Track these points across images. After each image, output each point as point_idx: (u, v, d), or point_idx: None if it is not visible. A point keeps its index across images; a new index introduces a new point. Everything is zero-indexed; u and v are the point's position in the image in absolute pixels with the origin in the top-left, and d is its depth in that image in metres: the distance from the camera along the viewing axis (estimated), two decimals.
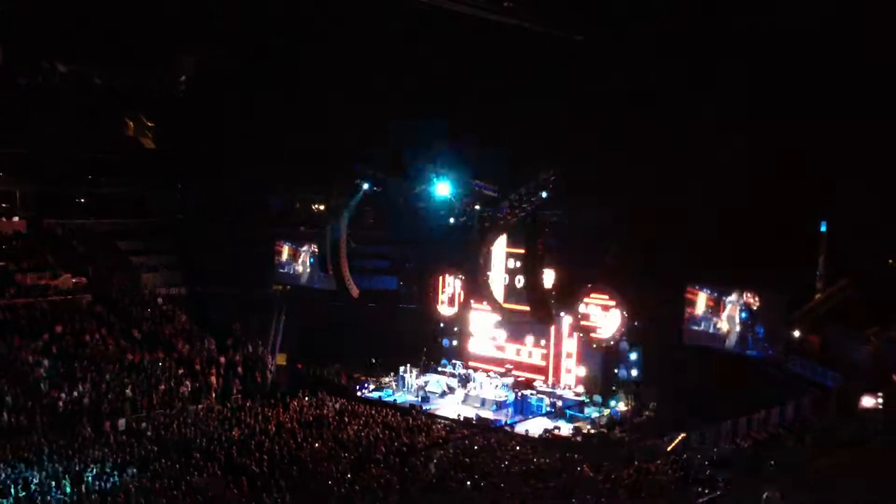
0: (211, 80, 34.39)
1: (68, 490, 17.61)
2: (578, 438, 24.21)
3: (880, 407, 20.55)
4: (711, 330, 24.98)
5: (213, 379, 26.93)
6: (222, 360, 28.08)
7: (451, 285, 31.29)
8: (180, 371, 26.77)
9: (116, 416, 23.44)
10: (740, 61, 23.93)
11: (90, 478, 18.31)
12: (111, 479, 18.32)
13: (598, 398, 27.06)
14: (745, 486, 15.49)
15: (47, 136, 32.25)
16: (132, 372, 25.95)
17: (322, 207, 35.94)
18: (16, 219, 33.05)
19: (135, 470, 19.06)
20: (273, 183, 36.64)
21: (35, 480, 18.00)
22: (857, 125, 22.31)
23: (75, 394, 23.99)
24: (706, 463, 18.96)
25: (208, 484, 17.61)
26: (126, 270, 32.87)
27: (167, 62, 33.90)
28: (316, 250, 32.09)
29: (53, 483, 17.83)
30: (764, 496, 12.94)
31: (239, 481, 18.16)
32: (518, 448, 22.46)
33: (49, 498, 17.22)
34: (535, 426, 25.35)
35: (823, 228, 25.19)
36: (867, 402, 20.87)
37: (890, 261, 23.89)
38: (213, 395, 26.43)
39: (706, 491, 15.88)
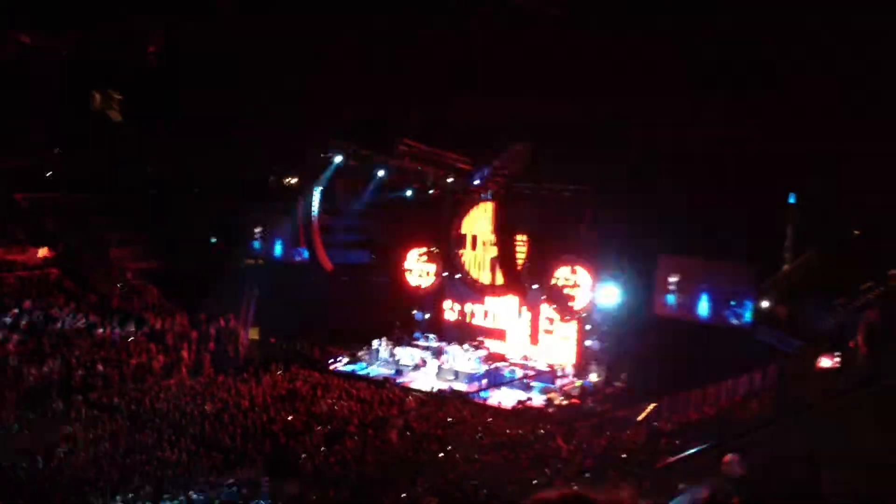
0: (181, 52, 33.84)
1: (41, 466, 17.52)
2: (551, 409, 24.49)
3: (837, 366, 21.10)
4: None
5: (186, 353, 26.82)
6: (194, 334, 27.94)
7: (423, 259, 31.34)
8: (152, 346, 26.60)
9: (88, 391, 23.30)
10: (711, 34, 23.99)
11: (63, 453, 18.23)
12: (84, 454, 18.26)
13: (570, 369, 27.34)
14: (709, 451, 15.82)
15: (13, 110, 31.62)
16: (103, 346, 25.78)
17: (295, 181, 35.74)
18: None
19: (107, 445, 19.01)
20: (245, 156, 36.17)
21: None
22: (827, 96, 22.50)
23: (45, 369, 23.79)
24: (674, 431, 19.31)
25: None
26: (96, 245, 32.51)
27: (135, 33, 33.30)
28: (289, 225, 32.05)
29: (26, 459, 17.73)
30: (725, 459, 13.21)
31: (212, 455, 18.23)
32: (491, 420, 22.69)
33: (21, 474, 17.12)
34: (507, 397, 25.59)
35: (792, 199, 25.47)
36: (824, 362, 21.45)
37: (856, 231, 24.24)
38: (186, 369, 26.31)
39: (672, 457, 16.19)
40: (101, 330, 26.57)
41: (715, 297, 25.66)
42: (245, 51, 31.73)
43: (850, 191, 22.85)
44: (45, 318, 26.44)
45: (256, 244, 34.90)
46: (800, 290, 25.09)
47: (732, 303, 25.04)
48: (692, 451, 16.84)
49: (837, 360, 21.44)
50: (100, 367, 24.58)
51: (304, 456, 18.52)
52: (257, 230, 34.74)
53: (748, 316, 24.90)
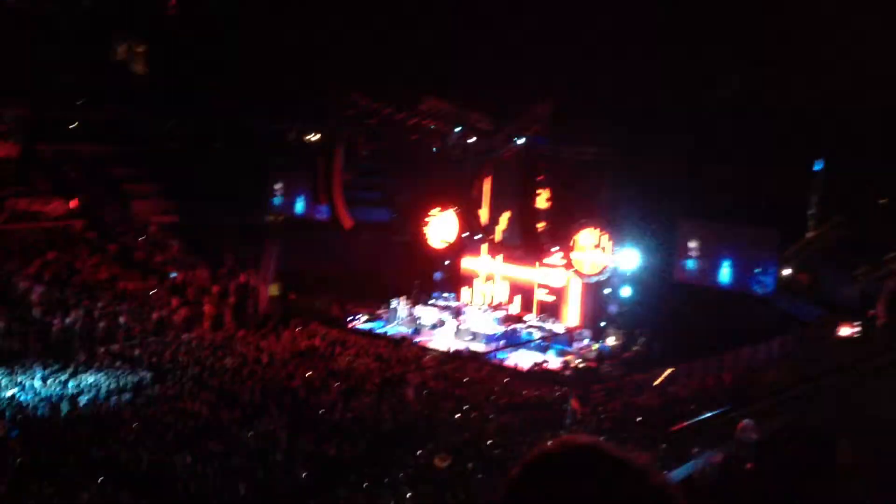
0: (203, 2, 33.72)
1: (64, 413, 17.85)
2: (567, 372, 24.56)
3: (857, 336, 20.96)
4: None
5: (206, 308, 27.06)
6: (215, 289, 28.18)
7: (443, 218, 31.28)
8: (173, 299, 26.88)
9: (110, 342, 23.62)
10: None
11: (84, 401, 18.56)
12: (106, 404, 18.59)
13: (587, 332, 27.36)
14: (724, 417, 15.86)
15: (37, 60, 31.65)
16: (125, 299, 26.08)
17: (316, 137, 35.67)
18: (7, 144, 32.66)
19: (129, 396, 19.33)
20: (268, 111, 36.04)
21: (30, 405, 18.21)
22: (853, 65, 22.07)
23: (68, 320, 24.11)
24: (690, 396, 19.35)
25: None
26: (118, 197, 32.75)
27: None
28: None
29: (48, 407, 18.06)
30: (740, 425, 13.26)
31: (232, 408, 18.50)
32: (507, 381, 22.80)
33: (44, 423, 17.44)
34: (524, 359, 25.68)
35: (817, 167, 25.12)
36: (844, 331, 21.32)
37: (881, 201, 23.90)
38: (206, 324, 26.56)
39: (687, 422, 16.25)
40: (123, 282, 26.87)
41: (737, 264, 25.45)
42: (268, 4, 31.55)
43: (877, 158, 22.51)
44: (69, 269, 26.77)
45: (277, 200, 34.95)
46: (823, 258, 24.86)
47: (757, 270, 24.78)
48: (707, 416, 16.88)
49: (858, 328, 21.31)
50: (122, 320, 24.89)
51: (321, 411, 18.74)
52: (278, 186, 34.76)
53: (772, 284, 24.66)
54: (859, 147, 22.61)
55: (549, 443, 1.90)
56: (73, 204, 30.66)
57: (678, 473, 13.02)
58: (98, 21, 33.03)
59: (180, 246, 30.81)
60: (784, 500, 11.41)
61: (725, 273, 25.68)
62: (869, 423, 13.41)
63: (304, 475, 15.47)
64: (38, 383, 19.56)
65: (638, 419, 18.24)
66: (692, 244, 26.15)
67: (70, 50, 32.87)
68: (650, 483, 1.83)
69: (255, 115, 35.34)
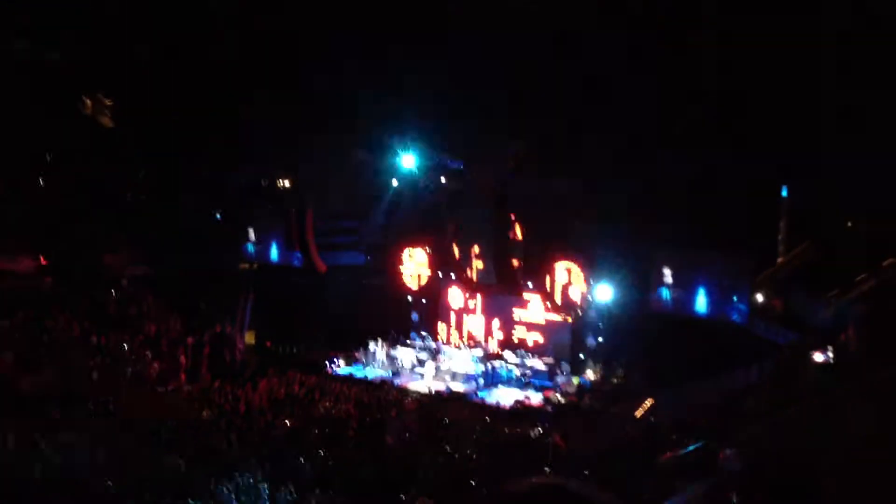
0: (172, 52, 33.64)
1: (37, 475, 17.43)
2: (548, 408, 24.48)
3: (830, 361, 21.12)
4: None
5: (182, 360, 26.73)
6: (190, 340, 27.86)
7: (418, 259, 31.30)
8: (147, 353, 26.51)
9: (84, 399, 23.17)
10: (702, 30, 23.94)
11: (59, 462, 18.14)
12: (80, 462, 18.19)
13: (566, 367, 27.32)
14: (706, 447, 15.83)
15: (3, 116, 31.40)
16: (98, 354, 25.67)
17: (288, 184, 35.58)
18: None
19: (105, 453, 18.93)
20: (239, 159, 35.93)
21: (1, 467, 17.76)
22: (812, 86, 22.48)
23: (41, 378, 23.65)
24: (671, 427, 19.32)
25: None
26: (88, 251, 32.36)
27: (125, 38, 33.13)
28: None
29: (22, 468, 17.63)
30: (722, 455, 13.25)
31: (210, 461, 18.16)
32: (489, 419, 22.67)
33: (16, 484, 17.02)
34: (505, 397, 25.58)
35: (785, 193, 25.46)
36: (818, 357, 21.48)
37: (849, 223, 24.21)
38: (182, 376, 26.22)
39: (669, 453, 16.20)
40: (95, 338, 26.47)
41: (711, 292, 25.62)
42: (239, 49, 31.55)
43: (845, 181, 22.82)
44: (39, 327, 26.33)
45: (250, 247, 34.76)
46: (795, 282, 25.07)
47: (735, 298, 24.98)
48: (690, 447, 16.84)
49: (830, 353, 21.47)
50: (95, 375, 24.46)
51: (302, 460, 18.47)
52: (251, 233, 34.60)
53: (746, 310, 24.86)
54: (824, 171, 22.93)
55: (517, 484, 1.89)
56: (42, 261, 30.27)
57: None
58: (65, 74, 32.87)
59: (153, 298, 30.46)
60: None
61: (701, 301, 25.83)
62: (848, 445, 13.45)
63: None
64: (10, 445, 19.08)
65: (620, 452, 18.15)
66: (667, 273, 26.32)
67: (37, 103, 32.62)
68: None
69: (225, 162, 35.19)
